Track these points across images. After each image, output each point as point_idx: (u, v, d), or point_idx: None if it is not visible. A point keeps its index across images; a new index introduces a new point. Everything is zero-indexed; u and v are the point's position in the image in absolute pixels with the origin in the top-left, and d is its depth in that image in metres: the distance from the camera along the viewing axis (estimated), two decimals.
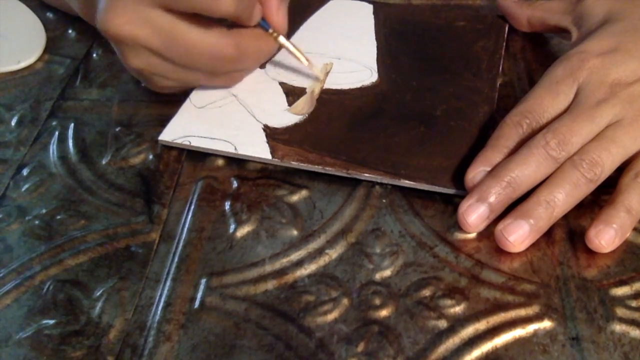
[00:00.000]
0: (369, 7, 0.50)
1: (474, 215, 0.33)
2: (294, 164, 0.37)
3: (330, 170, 0.37)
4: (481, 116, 0.40)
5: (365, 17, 0.49)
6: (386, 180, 0.36)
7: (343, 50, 0.46)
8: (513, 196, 0.33)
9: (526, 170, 0.33)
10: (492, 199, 0.33)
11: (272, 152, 0.38)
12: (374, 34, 0.47)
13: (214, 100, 0.42)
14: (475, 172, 0.34)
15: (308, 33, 0.48)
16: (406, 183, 0.36)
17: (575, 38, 0.41)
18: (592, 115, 0.34)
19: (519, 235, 0.32)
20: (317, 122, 0.40)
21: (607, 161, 0.33)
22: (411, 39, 0.47)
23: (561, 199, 0.32)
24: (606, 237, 0.32)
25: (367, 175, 0.37)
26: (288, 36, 0.45)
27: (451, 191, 0.36)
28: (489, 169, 0.34)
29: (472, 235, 0.34)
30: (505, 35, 0.47)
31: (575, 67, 0.36)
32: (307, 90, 0.42)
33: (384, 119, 0.40)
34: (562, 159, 0.33)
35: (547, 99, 0.35)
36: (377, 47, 0.46)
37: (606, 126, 0.34)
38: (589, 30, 0.39)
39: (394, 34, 0.47)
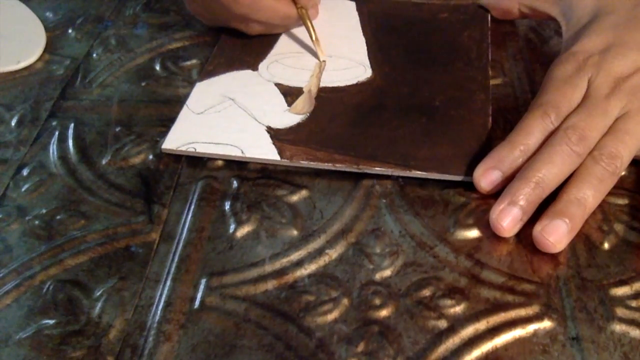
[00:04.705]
0: (352, 4, 0.50)
1: (508, 219, 0.33)
2: (304, 163, 0.37)
3: (340, 166, 0.37)
4: (479, 103, 0.41)
5: (350, 14, 0.50)
6: (397, 172, 0.37)
7: (333, 48, 0.46)
8: (543, 195, 0.33)
9: (553, 169, 0.33)
10: (522, 201, 0.33)
11: (280, 153, 0.38)
12: (360, 31, 0.48)
13: (212, 105, 0.42)
14: (485, 171, 0.35)
15: (295, 34, 0.48)
16: (418, 174, 0.36)
17: (565, 31, 0.41)
18: (605, 109, 0.34)
19: (558, 235, 0.32)
20: (319, 120, 0.40)
21: (624, 152, 0.34)
22: (399, 33, 0.47)
23: (590, 194, 0.33)
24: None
25: (378, 169, 0.37)
26: (274, 37, 0.47)
27: (465, 179, 0.36)
28: (500, 171, 0.34)
29: (472, 235, 0.34)
30: (489, 24, 0.48)
31: (581, 63, 0.37)
32: (304, 90, 0.42)
33: (386, 112, 0.40)
34: (584, 154, 0.34)
35: (569, 90, 0.36)
36: (366, 43, 0.47)
37: (615, 119, 0.35)
38: (579, 23, 0.40)
39: (381, 29, 0.48)
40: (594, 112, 0.34)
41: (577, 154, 0.33)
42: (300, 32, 0.48)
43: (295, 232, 0.35)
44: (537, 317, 0.30)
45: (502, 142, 0.35)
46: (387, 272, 0.32)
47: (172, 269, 0.33)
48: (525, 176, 0.33)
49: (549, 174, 0.33)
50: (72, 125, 0.42)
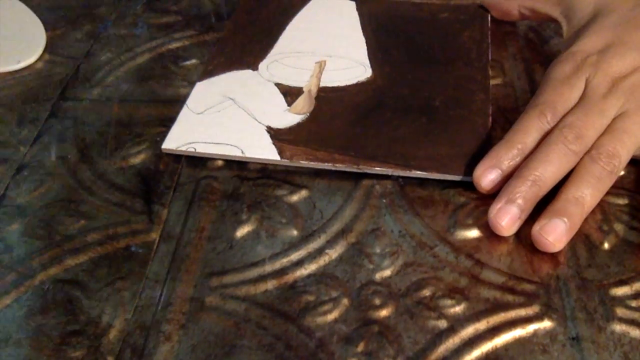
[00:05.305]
0: (352, 4, 0.51)
1: (506, 217, 0.33)
2: (304, 163, 0.37)
3: (340, 166, 0.37)
4: (479, 103, 0.41)
5: (350, 14, 0.50)
6: (397, 172, 0.37)
7: (332, 47, 0.46)
8: (540, 194, 0.33)
9: (549, 167, 0.33)
10: (520, 199, 0.33)
11: (280, 153, 0.38)
12: (361, 31, 0.48)
13: (212, 105, 0.42)
14: (484, 170, 0.35)
15: (295, 33, 0.48)
16: (418, 174, 0.36)
17: (566, 31, 0.42)
18: (602, 108, 0.35)
19: (557, 234, 0.32)
20: (319, 120, 0.40)
21: (622, 152, 0.34)
22: (399, 34, 0.47)
23: (589, 194, 0.33)
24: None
25: (378, 169, 0.37)
26: (274, 37, 0.47)
27: (465, 178, 0.36)
28: (499, 170, 0.34)
29: (472, 235, 0.34)
30: (489, 24, 0.48)
31: (580, 63, 0.37)
32: (304, 89, 0.42)
33: (386, 112, 0.40)
34: (581, 153, 0.34)
35: (566, 90, 0.36)
36: (367, 43, 0.47)
37: (613, 118, 0.35)
38: (579, 24, 0.40)
39: (381, 29, 0.48)
40: (590, 111, 0.34)
41: (573, 152, 0.33)
42: (300, 32, 0.48)
43: (295, 232, 0.35)
44: (537, 317, 0.30)
45: (500, 142, 0.35)
46: (387, 272, 0.32)
47: (172, 269, 0.33)
48: (522, 175, 0.33)
49: (545, 172, 0.33)
50: (72, 125, 0.42)
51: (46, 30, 0.50)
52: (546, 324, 0.30)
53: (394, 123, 0.40)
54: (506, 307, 0.31)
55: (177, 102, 0.43)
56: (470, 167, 0.36)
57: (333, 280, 0.32)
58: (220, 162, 0.39)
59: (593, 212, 0.34)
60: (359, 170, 0.37)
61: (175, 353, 0.30)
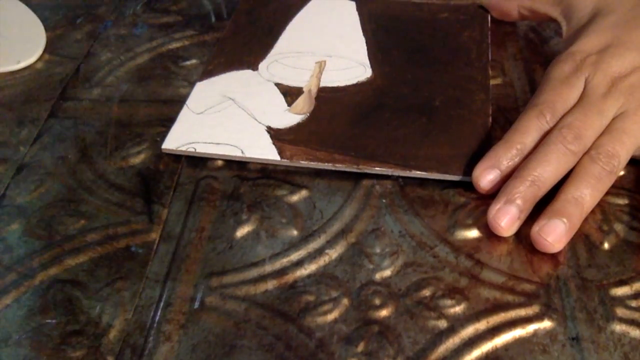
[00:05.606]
0: (352, 4, 0.51)
1: (506, 217, 0.33)
2: (304, 163, 0.37)
3: (340, 166, 0.37)
4: (479, 103, 0.41)
5: (350, 14, 0.50)
6: (397, 172, 0.37)
7: (333, 48, 0.46)
8: (539, 194, 0.33)
9: (548, 167, 0.33)
10: (519, 200, 0.33)
11: (280, 153, 0.38)
12: (360, 31, 0.48)
13: (212, 105, 0.42)
14: (483, 170, 0.35)
15: (295, 33, 0.48)
16: (418, 174, 0.36)
17: (565, 32, 0.42)
18: (601, 108, 0.35)
19: (556, 234, 0.32)
20: (319, 120, 0.40)
21: (622, 152, 0.34)
22: (399, 34, 0.47)
23: (588, 194, 0.33)
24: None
25: (378, 169, 0.37)
26: (274, 37, 0.47)
27: (465, 178, 0.36)
28: (498, 170, 0.34)
29: (472, 235, 0.34)
30: (489, 24, 0.48)
31: (579, 63, 0.37)
32: (304, 89, 0.42)
33: (385, 112, 0.40)
34: (580, 153, 0.34)
35: (565, 90, 0.36)
36: (366, 43, 0.47)
37: (612, 119, 0.35)
38: (579, 24, 0.40)
39: (381, 29, 0.48)
40: (589, 111, 0.34)
41: (572, 152, 0.33)
42: (300, 32, 0.48)
43: (295, 232, 0.35)
44: (537, 317, 0.30)
45: (499, 142, 0.35)
46: (387, 272, 0.32)
47: (172, 269, 0.33)
48: (521, 175, 0.33)
49: (544, 172, 0.33)
50: (72, 125, 0.42)
51: (46, 30, 0.50)
52: (546, 324, 0.30)
53: (394, 123, 0.40)
54: (506, 307, 0.31)
55: (177, 102, 0.43)
56: (470, 167, 0.36)
57: (333, 280, 0.32)
58: (220, 162, 0.39)
59: (593, 212, 0.34)
60: (359, 170, 0.37)
61: (175, 353, 0.30)
